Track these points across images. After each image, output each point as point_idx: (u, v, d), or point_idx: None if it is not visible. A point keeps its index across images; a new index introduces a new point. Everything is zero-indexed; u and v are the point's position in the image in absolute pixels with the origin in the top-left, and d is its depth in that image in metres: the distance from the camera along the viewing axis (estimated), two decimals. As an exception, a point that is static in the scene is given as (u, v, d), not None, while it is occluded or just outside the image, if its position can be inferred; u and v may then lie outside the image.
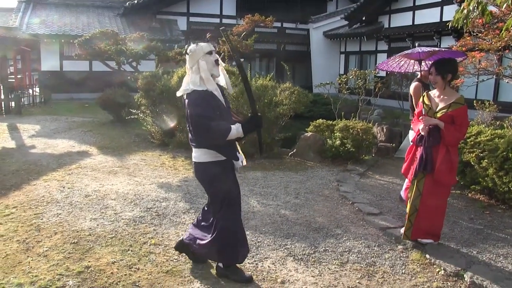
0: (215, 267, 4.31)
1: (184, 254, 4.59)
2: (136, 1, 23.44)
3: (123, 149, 10.22)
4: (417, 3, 21.00)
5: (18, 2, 23.09)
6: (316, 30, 26.38)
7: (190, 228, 4.54)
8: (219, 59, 4.19)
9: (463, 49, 10.03)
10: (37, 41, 20.79)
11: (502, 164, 6.21)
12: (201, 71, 3.99)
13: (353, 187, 7.43)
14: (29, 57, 19.98)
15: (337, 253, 4.90)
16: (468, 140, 6.91)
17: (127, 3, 23.60)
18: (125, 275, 4.19)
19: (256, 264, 4.55)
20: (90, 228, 5.33)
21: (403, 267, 4.61)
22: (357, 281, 4.29)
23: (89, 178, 7.60)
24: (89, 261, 4.44)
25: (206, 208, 4.43)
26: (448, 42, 17.05)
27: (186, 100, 4.01)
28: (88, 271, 4.24)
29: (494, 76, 10.45)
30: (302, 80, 24.87)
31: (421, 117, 4.96)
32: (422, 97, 5.17)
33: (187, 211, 6.05)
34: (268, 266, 4.51)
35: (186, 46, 4.14)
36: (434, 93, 5.07)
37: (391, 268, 4.57)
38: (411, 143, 5.29)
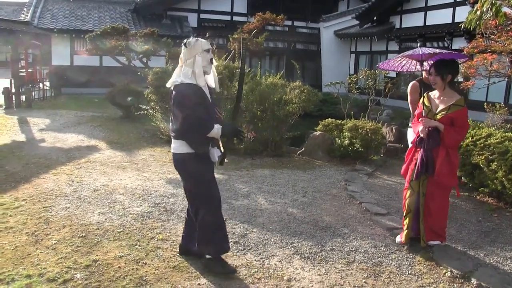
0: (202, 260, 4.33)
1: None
2: (147, -3, 23.54)
3: (132, 144, 10.26)
4: (429, 4, 20.87)
5: (30, -4, 23.20)
6: (327, 29, 26.29)
7: (184, 228, 4.62)
8: (213, 58, 4.27)
9: (475, 51, 10.00)
10: (48, 36, 20.89)
11: (511, 167, 6.18)
12: (196, 66, 4.06)
13: (361, 187, 7.42)
14: (40, 51, 20.09)
15: (343, 252, 4.89)
16: (477, 142, 6.88)
17: (139, -1, 23.69)
18: (132, 269, 4.21)
19: (263, 261, 4.56)
20: (98, 222, 5.36)
21: (410, 267, 4.60)
22: (363, 280, 4.28)
23: (98, 172, 7.64)
24: (96, 255, 4.47)
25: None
26: (459, 44, 16.94)
27: (174, 92, 4.08)
28: (96, 265, 4.26)
29: (506, 79, 10.39)
30: (311, 79, 24.87)
31: (420, 119, 4.92)
32: (422, 98, 5.11)
33: (194, 207, 6.05)
34: (275, 264, 4.52)
35: (186, 39, 4.17)
36: (434, 94, 5.00)
37: (398, 269, 4.56)
38: (411, 144, 5.23)
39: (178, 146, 4.15)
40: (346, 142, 9.28)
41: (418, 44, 6.35)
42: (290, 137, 10.45)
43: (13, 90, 16.18)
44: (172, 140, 4.22)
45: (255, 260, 4.57)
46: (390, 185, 7.81)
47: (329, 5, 28.05)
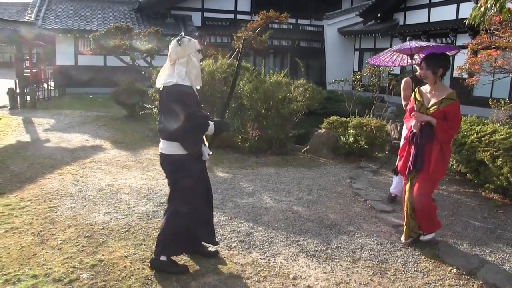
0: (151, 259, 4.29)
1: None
2: (151, -4, 23.56)
3: (136, 143, 10.27)
4: (433, 0, 20.80)
5: (34, -3, 23.25)
6: (331, 26, 26.23)
7: None
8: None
9: (479, 47, 9.97)
10: (53, 36, 20.92)
11: (517, 163, 6.16)
12: (193, 67, 4.06)
13: (366, 184, 7.41)
14: (44, 51, 20.13)
15: (349, 250, 4.89)
16: (482, 138, 6.85)
17: (142, -2, 23.72)
18: (138, 269, 4.22)
19: (268, 259, 4.56)
20: (104, 222, 5.37)
21: (415, 265, 4.59)
22: (369, 278, 4.28)
23: (103, 172, 7.66)
24: (102, 255, 4.48)
25: None
26: (463, 40, 16.91)
27: (166, 92, 4.01)
28: (102, 265, 4.27)
29: (510, 75, 10.36)
30: (316, 77, 24.86)
31: (412, 113, 4.85)
32: (414, 93, 5.05)
33: (199, 206, 6.06)
34: (280, 262, 4.52)
35: (179, 38, 4.08)
36: (425, 88, 4.94)
37: (403, 266, 4.55)
38: (404, 140, 5.18)
39: (172, 148, 4.08)
40: (351, 139, 9.27)
41: (408, 39, 6.26)
42: (294, 135, 10.45)
43: (18, 91, 16.22)
44: (163, 141, 4.15)
45: (260, 258, 4.57)
46: (395, 182, 7.79)
47: (333, 2, 27.96)
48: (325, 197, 6.74)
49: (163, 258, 4.16)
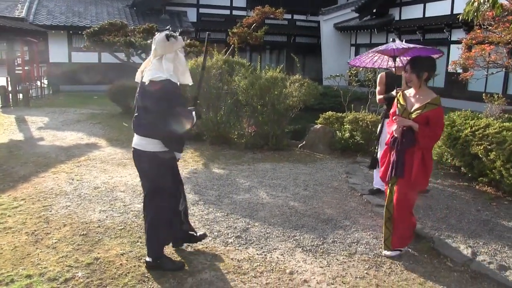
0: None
1: (193, 245, 4.65)
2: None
3: (132, 141, 10.21)
4: (428, -4, 20.88)
5: (25, -8, 23.03)
6: (327, 22, 26.23)
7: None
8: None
9: (473, 42, 10.00)
10: (45, 32, 20.68)
11: (509, 156, 6.19)
12: (180, 64, 4.01)
13: (362, 179, 7.42)
14: (36, 48, 19.95)
15: (345, 244, 4.91)
16: (476, 132, 6.88)
17: (137, -6, 23.63)
18: (134, 266, 4.22)
19: (265, 255, 4.57)
20: (99, 220, 5.36)
21: (411, 257, 4.61)
22: (365, 271, 4.30)
23: (98, 170, 7.63)
24: (98, 253, 4.47)
25: None
26: (458, 35, 16.98)
27: (154, 87, 3.86)
28: (97, 263, 4.26)
29: (504, 69, 10.39)
30: (312, 72, 24.82)
31: (394, 118, 4.64)
32: (397, 95, 4.78)
33: (196, 202, 6.06)
34: (277, 257, 4.52)
35: (167, 32, 4.02)
36: (409, 92, 4.72)
37: (399, 259, 4.57)
38: (385, 146, 4.90)
39: (146, 144, 4.02)
40: (347, 134, 9.29)
41: (391, 39, 6.14)
42: (290, 130, 10.44)
43: (10, 89, 16.12)
44: (139, 137, 4.08)
45: (257, 254, 4.58)
46: (390, 177, 7.81)
47: (329, -2, 27.98)
48: (321, 192, 6.75)
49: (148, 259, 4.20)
